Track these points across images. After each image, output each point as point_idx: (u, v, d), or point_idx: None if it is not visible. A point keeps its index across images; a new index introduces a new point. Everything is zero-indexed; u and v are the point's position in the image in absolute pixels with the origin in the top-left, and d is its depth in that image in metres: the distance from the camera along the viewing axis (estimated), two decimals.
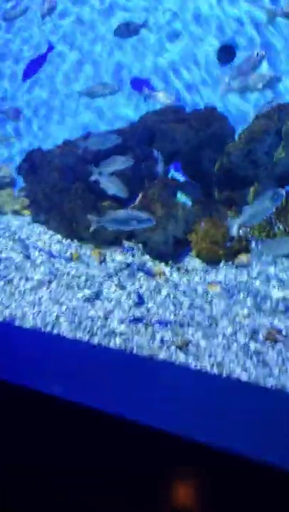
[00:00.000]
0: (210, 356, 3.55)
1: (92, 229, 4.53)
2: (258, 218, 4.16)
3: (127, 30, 5.76)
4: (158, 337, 3.77)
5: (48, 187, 5.62)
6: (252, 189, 5.41)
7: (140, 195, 5.51)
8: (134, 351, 3.66)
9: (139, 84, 7.29)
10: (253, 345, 3.62)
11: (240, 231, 5.08)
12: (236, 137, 5.51)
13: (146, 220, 4.20)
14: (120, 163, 4.78)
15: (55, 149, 5.72)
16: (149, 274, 4.78)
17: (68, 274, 4.80)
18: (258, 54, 4.78)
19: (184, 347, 3.64)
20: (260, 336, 3.70)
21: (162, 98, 5.52)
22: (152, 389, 2.51)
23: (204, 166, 5.68)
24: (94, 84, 6.23)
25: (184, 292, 4.39)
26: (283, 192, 3.72)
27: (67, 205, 5.41)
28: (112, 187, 4.81)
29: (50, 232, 5.59)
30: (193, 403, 2.38)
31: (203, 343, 3.68)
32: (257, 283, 4.42)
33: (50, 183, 5.67)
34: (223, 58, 6.16)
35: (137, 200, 5.52)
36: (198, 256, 5.00)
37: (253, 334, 3.74)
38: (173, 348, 3.65)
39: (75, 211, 5.42)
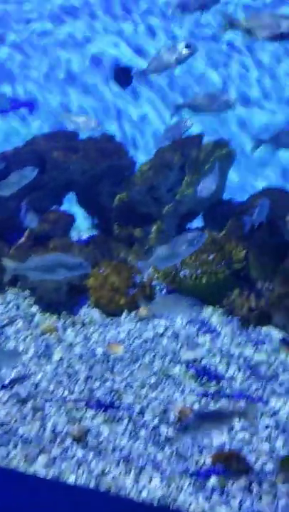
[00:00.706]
0: (113, 450, 2.88)
1: (6, 278, 3.58)
2: (171, 262, 3.58)
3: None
4: (49, 425, 3.02)
5: None
6: (155, 227, 4.91)
7: (27, 231, 4.71)
8: (19, 447, 2.87)
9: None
10: (163, 429, 3.03)
11: (144, 277, 4.53)
12: (137, 170, 4.97)
13: (79, 265, 3.25)
14: (23, 177, 3.85)
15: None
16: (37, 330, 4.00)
17: None
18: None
19: (81, 438, 2.93)
20: (172, 417, 3.12)
21: (83, 123, 4.67)
22: None
23: (102, 199, 5.05)
24: None
25: (81, 356, 3.68)
26: (205, 235, 3.19)
27: None
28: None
29: None
30: None
31: (105, 430, 3.00)
32: (164, 341, 3.87)
33: None
34: (121, 80, 5.63)
35: (24, 237, 4.72)
36: (96, 305, 4.33)
37: (164, 412, 3.15)
38: (69, 440, 2.92)
39: None
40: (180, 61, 3.77)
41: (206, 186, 4.00)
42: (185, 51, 3.72)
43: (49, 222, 4.78)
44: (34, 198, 4.73)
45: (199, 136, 4.97)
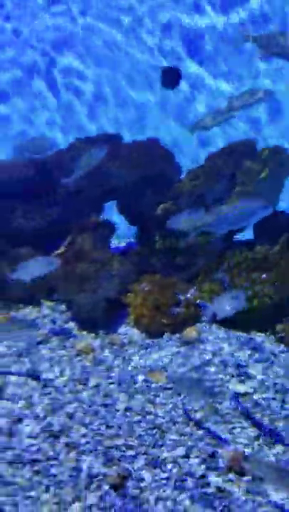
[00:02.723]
0: (157, 501, 2.54)
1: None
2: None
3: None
4: (84, 467, 2.70)
5: None
6: (200, 238, 4.54)
7: (66, 241, 4.43)
8: (51, 491, 2.56)
9: None
10: (212, 478, 2.67)
11: (188, 294, 4.17)
12: (184, 177, 4.62)
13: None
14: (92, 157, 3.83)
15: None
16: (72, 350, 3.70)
17: None
18: None
19: (120, 485, 2.60)
20: (221, 463, 2.76)
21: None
22: None
23: (144, 208, 4.72)
24: None
25: (120, 383, 3.36)
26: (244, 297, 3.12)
27: None
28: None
29: None
30: None
31: (147, 476, 2.67)
32: (212, 369, 3.50)
33: None
34: (167, 82, 5.29)
35: (62, 247, 4.44)
36: (136, 325, 4.01)
37: (212, 459, 2.79)
38: (106, 487, 2.60)
39: None
40: None
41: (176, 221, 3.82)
42: None
43: (89, 231, 4.48)
44: (74, 205, 4.46)
45: (252, 142, 4.58)
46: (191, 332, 3.82)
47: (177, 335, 3.89)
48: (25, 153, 4.38)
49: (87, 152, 3.88)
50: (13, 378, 3.34)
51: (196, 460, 2.78)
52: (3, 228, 4.30)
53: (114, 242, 5.10)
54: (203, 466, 2.74)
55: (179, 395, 3.27)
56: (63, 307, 4.21)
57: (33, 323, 3.84)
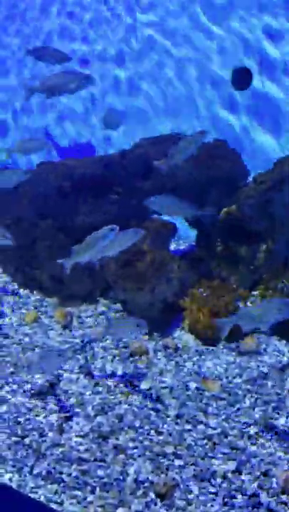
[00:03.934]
0: None
1: (67, 271, 3.31)
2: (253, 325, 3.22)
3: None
4: (131, 471, 2.64)
5: (10, 218, 4.47)
6: (264, 246, 4.36)
7: None
8: (96, 493, 2.52)
9: None
10: (264, 498, 2.53)
11: (248, 303, 4.02)
12: (250, 180, 4.46)
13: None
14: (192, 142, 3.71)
15: (29, 172, 4.55)
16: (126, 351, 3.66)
17: (19, 343, 3.64)
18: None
19: (167, 495, 2.52)
20: (275, 483, 2.60)
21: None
22: None
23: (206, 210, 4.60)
24: None
25: (171, 389, 3.27)
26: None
27: (30, 247, 4.26)
28: None
29: (5, 277, 4.42)
30: None
31: (195, 490, 2.57)
32: (269, 383, 3.34)
33: (14, 214, 4.52)
34: (239, 82, 5.16)
35: None
36: (191, 330, 3.90)
37: (265, 475, 2.65)
38: (152, 495, 2.52)
39: (41, 253, 4.28)
40: None
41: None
42: None
43: (149, 231, 4.43)
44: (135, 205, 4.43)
45: None
46: (249, 342, 3.67)
47: (234, 344, 3.75)
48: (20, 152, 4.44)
49: (187, 137, 3.70)
50: (66, 374, 3.36)
51: (248, 477, 2.65)
52: (65, 224, 4.33)
53: (174, 245, 5.04)
54: (255, 484, 2.60)
55: (233, 406, 3.14)
56: (119, 306, 4.18)
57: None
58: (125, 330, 3.28)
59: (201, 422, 3.00)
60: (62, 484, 2.53)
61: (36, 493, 2.49)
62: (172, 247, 4.92)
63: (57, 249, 4.21)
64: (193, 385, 3.31)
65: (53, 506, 2.40)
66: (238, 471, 2.68)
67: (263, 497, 2.53)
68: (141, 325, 3.16)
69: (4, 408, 3.03)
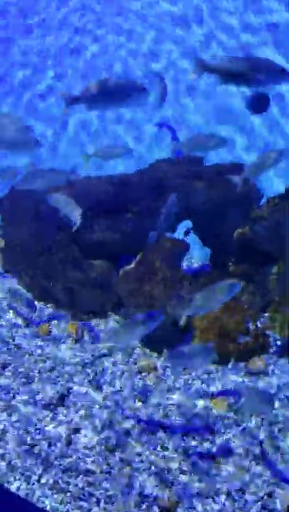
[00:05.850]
0: None
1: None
2: (204, 309, 3.20)
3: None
4: (137, 485, 2.68)
5: (26, 232, 4.59)
6: (276, 268, 4.41)
7: (138, 257, 4.49)
8: (101, 505, 2.56)
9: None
10: None
11: (258, 323, 4.06)
12: (263, 203, 4.53)
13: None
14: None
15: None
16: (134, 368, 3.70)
17: (31, 354, 3.71)
18: None
19: (170, 509, 2.55)
20: (278, 505, 2.61)
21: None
22: None
23: (221, 231, 4.67)
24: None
25: (179, 406, 3.31)
26: (240, 286, 2.95)
27: (45, 258, 4.37)
28: None
29: (21, 288, 4.53)
30: None
31: (198, 505, 2.59)
32: (276, 404, 3.35)
33: (29, 229, 4.64)
34: (255, 107, 5.25)
35: (133, 263, 4.49)
36: None
37: (268, 498, 2.65)
38: (156, 508, 2.55)
39: (54, 266, 4.38)
40: None
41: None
42: None
43: (162, 250, 4.51)
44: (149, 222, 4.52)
45: None
46: (257, 363, 3.69)
47: (242, 364, 3.78)
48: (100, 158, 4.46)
49: (263, 153, 3.55)
50: (75, 387, 3.41)
51: (252, 497, 2.66)
52: (81, 239, 4.44)
53: (186, 263, 5.10)
54: (258, 504, 2.61)
55: (239, 425, 3.16)
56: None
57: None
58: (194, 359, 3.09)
59: (207, 440, 3.02)
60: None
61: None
62: (184, 265, 4.99)
63: (71, 263, 4.32)
64: (201, 403, 3.33)
65: None
66: (241, 490, 2.70)
67: None
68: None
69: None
